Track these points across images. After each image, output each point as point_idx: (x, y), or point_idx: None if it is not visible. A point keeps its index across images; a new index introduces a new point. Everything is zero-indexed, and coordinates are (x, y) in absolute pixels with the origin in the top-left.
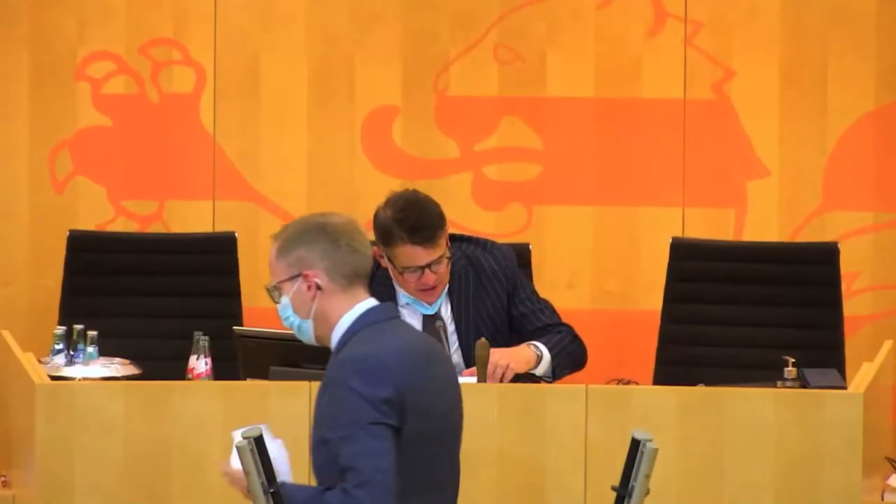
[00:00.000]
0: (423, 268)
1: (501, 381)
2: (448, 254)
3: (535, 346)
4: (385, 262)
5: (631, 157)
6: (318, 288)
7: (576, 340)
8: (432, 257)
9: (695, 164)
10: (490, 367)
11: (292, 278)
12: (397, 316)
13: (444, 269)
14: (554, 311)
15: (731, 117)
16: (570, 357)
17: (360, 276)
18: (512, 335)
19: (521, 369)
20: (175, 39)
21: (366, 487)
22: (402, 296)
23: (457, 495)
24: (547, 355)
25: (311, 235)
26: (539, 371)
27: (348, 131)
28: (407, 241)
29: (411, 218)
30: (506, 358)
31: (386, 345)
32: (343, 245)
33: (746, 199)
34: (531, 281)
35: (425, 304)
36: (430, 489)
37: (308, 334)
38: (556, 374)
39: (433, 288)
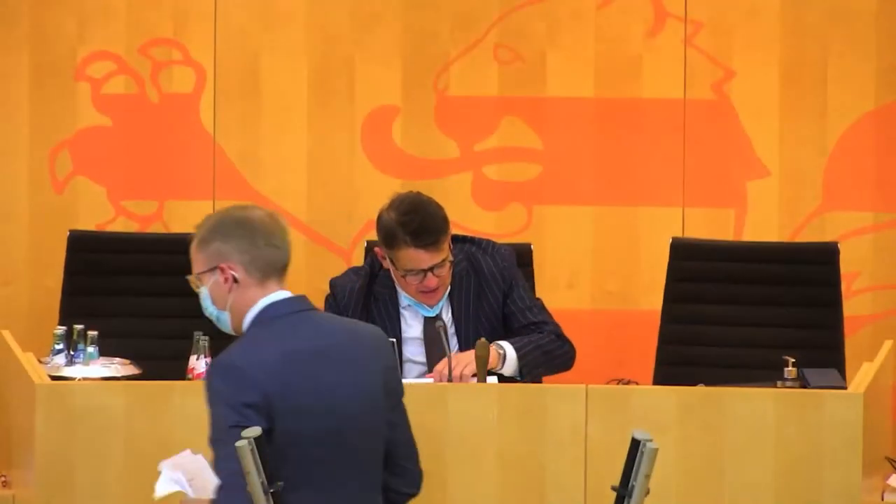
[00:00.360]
0: (425, 271)
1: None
2: (451, 257)
3: (498, 345)
4: (387, 264)
5: (631, 157)
6: (235, 281)
7: (558, 341)
8: (435, 261)
9: (695, 164)
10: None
11: (210, 270)
12: (304, 309)
13: (446, 272)
14: (542, 310)
15: (731, 117)
16: (545, 356)
17: (276, 269)
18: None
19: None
20: (175, 39)
21: (222, 492)
22: (404, 297)
23: (364, 491)
24: (512, 354)
25: (229, 228)
26: (506, 371)
27: (348, 131)
28: (410, 244)
29: (415, 222)
30: (459, 366)
31: (260, 346)
32: (260, 239)
33: (746, 199)
34: (532, 281)
35: (426, 306)
36: (311, 487)
37: (226, 325)
38: (525, 373)
39: (434, 290)
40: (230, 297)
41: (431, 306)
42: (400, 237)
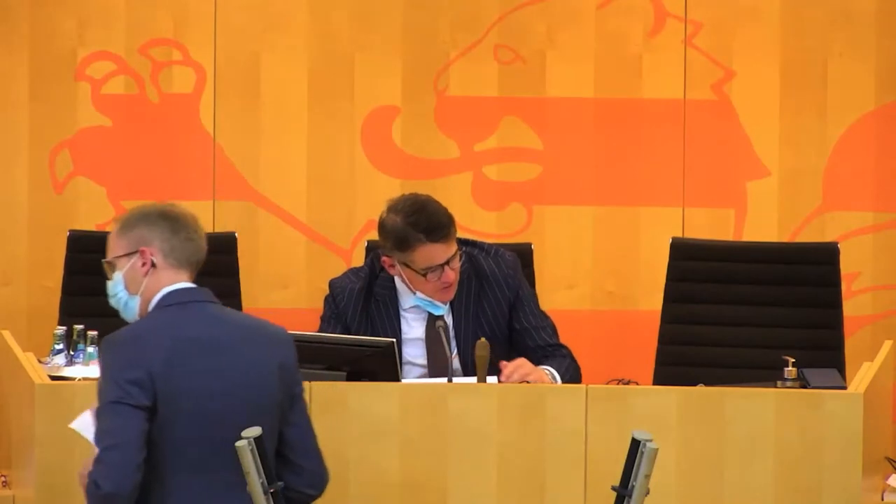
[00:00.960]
0: (442, 265)
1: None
2: (460, 249)
3: (549, 371)
4: (395, 271)
5: (631, 157)
6: (153, 265)
7: (574, 364)
8: (449, 253)
9: (695, 164)
10: (510, 369)
11: (129, 254)
12: (205, 300)
13: (458, 264)
14: (555, 331)
15: (731, 117)
16: (567, 382)
17: (190, 263)
18: (511, 348)
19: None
20: (175, 39)
21: (97, 465)
22: (411, 298)
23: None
24: (559, 382)
25: (153, 218)
26: None
27: (348, 131)
28: (425, 241)
29: (424, 219)
30: (533, 374)
31: (153, 327)
32: (182, 231)
33: (746, 199)
34: (532, 281)
35: (441, 303)
36: (194, 471)
37: (133, 312)
38: None
39: (451, 285)
40: (144, 282)
41: (446, 301)
42: (414, 237)
